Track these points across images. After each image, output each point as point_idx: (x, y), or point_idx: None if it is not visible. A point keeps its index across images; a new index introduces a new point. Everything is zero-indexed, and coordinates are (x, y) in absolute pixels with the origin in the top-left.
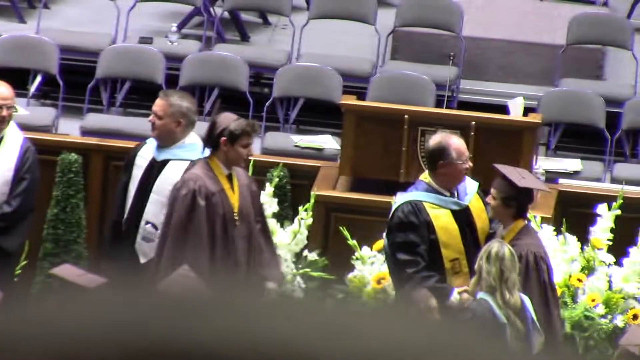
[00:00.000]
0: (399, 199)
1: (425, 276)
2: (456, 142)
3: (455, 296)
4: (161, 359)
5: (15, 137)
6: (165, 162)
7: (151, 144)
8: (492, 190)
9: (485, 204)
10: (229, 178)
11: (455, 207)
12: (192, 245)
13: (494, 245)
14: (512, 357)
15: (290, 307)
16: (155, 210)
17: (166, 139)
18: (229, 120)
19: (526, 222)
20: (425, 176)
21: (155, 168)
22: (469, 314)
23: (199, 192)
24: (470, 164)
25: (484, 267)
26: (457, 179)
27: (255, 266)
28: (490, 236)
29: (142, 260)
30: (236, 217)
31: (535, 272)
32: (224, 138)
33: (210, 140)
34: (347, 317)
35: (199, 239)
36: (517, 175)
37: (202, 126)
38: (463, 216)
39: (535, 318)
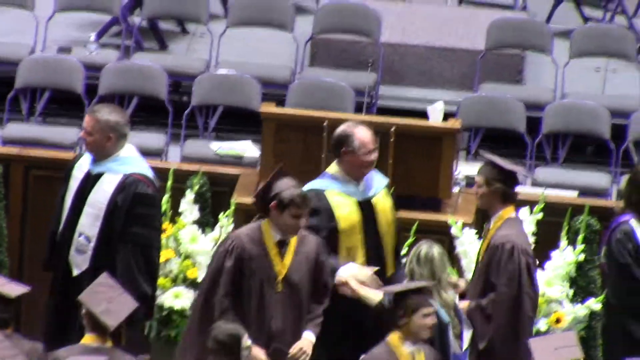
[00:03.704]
0: (305, 187)
1: None
2: (361, 132)
3: (341, 272)
4: None
5: None
6: (100, 175)
7: (88, 156)
8: (477, 178)
9: (393, 202)
10: (281, 244)
11: (358, 197)
12: (217, 299)
13: (423, 247)
14: None
15: None
16: (88, 223)
17: (99, 154)
18: (283, 186)
19: (514, 214)
20: (331, 167)
21: (90, 181)
22: None
23: (229, 253)
24: (374, 157)
25: (415, 270)
26: (360, 169)
27: (296, 331)
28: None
29: (75, 272)
30: (278, 283)
31: (509, 264)
32: (273, 203)
33: (263, 203)
34: None
35: (214, 298)
36: (501, 161)
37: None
38: (367, 208)
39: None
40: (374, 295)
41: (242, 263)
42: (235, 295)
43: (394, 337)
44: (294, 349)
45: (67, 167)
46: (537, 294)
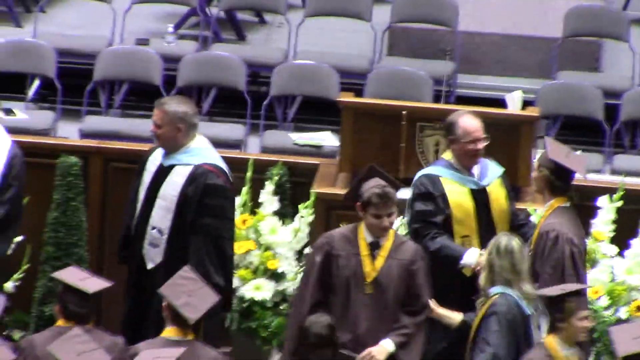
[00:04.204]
0: (418, 173)
1: (439, 235)
2: (465, 121)
3: (468, 259)
4: None
5: (1, 142)
6: (171, 167)
7: (161, 149)
8: (535, 163)
9: (508, 191)
10: (374, 246)
11: (472, 186)
12: (301, 293)
13: (503, 239)
14: None
15: None
16: (160, 216)
17: (170, 146)
18: (368, 186)
19: (567, 203)
20: (446, 154)
21: (162, 173)
22: (496, 310)
23: (319, 249)
24: (480, 146)
25: (495, 262)
26: (467, 157)
27: (380, 335)
28: (519, 227)
29: (149, 265)
30: (367, 284)
31: (553, 252)
32: (358, 202)
33: (350, 200)
34: None
35: (305, 292)
36: (557, 149)
37: (203, 126)
38: (481, 196)
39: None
40: (454, 316)
41: (330, 259)
42: (324, 291)
43: (551, 341)
44: (363, 353)
45: (141, 160)
46: (582, 284)
